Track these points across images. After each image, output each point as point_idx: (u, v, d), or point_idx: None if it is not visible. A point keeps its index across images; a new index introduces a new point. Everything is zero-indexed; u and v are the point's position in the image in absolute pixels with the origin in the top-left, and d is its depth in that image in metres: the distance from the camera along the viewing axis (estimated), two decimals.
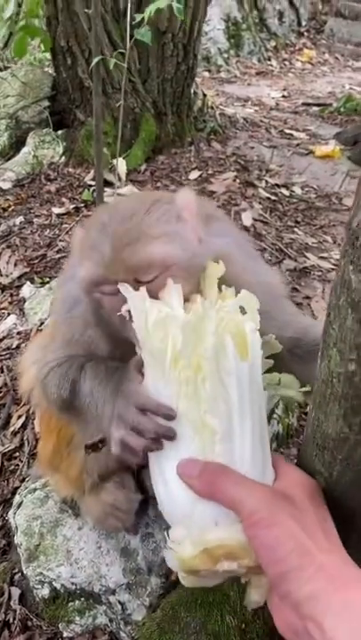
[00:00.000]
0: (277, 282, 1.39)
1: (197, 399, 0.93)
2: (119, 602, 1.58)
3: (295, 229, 3.93)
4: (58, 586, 1.63)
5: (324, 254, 3.66)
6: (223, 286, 1.09)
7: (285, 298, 1.39)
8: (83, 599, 1.64)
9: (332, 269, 3.50)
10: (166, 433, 0.95)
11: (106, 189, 3.36)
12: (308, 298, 3.12)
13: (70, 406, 1.26)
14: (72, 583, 1.62)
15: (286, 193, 4.41)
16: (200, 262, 1.13)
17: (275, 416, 2.09)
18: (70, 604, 1.64)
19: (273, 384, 1.21)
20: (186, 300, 1.06)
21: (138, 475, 1.63)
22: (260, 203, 4.11)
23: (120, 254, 1.08)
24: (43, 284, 3.14)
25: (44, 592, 1.65)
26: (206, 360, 0.93)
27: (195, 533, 0.92)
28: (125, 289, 1.04)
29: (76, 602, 1.64)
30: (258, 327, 1.01)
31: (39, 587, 1.65)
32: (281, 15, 8.84)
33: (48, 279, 3.18)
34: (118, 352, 1.21)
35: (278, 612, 0.84)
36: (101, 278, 1.10)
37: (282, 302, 1.35)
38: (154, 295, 1.07)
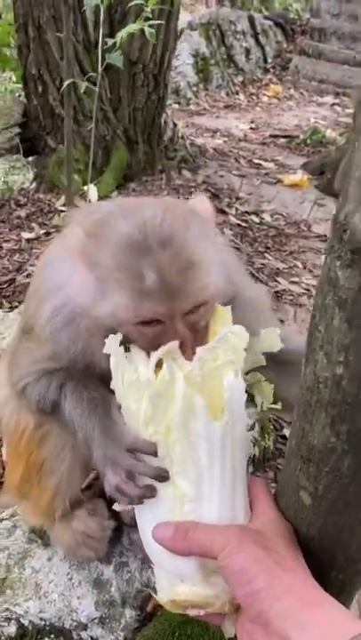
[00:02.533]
0: (262, 295, 1.37)
1: (169, 460, 0.96)
2: (91, 637, 1.48)
3: (266, 255, 3.96)
4: (25, 622, 1.53)
5: (295, 279, 3.69)
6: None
7: (269, 310, 1.37)
8: (52, 636, 1.53)
9: (303, 293, 3.53)
10: (161, 474, 0.95)
11: None
12: (281, 321, 3.12)
13: (52, 417, 1.25)
14: (41, 619, 1.52)
15: (256, 220, 4.46)
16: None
17: (251, 439, 2.05)
18: None
19: (253, 382, 1.19)
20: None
21: (111, 501, 1.56)
22: (230, 229, 4.14)
23: (170, 287, 0.95)
24: (11, 308, 3.06)
25: (11, 630, 1.54)
26: (175, 424, 0.93)
27: (166, 583, 0.99)
28: (109, 344, 0.99)
29: (45, 639, 1.53)
30: (242, 368, 1.00)
31: (5, 624, 1.54)
32: (248, 52, 9.13)
33: (17, 304, 3.10)
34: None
35: (246, 636, 0.88)
36: (145, 312, 0.97)
37: (266, 316, 1.33)
38: (192, 328, 1.00)
